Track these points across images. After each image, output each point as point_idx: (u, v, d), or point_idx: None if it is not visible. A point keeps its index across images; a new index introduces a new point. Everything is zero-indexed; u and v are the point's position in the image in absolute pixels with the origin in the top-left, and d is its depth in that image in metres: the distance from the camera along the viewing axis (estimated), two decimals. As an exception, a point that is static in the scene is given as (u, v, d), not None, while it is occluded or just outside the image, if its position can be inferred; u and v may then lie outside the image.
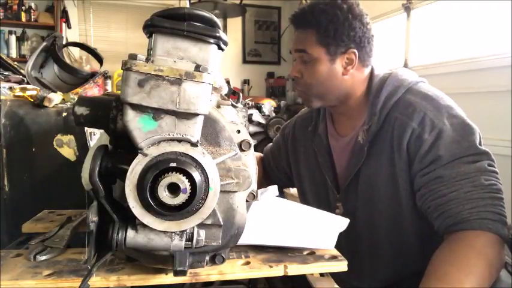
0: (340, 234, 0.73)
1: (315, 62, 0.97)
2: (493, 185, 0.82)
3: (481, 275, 0.73)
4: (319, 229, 0.71)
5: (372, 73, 1.03)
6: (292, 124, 1.26)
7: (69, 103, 1.27)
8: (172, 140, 0.51)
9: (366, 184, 0.98)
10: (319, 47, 0.96)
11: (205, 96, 0.51)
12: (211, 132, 0.55)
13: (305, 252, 0.71)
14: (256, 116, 2.95)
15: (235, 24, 5.03)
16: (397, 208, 0.95)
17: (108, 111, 0.53)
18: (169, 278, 0.60)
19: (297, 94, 1.05)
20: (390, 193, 0.94)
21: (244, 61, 5.21)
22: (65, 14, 4.30)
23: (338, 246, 0.73)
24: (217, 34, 0.52)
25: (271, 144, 1.36)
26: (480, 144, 0.86)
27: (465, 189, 0.81)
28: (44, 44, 1.42)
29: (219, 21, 0.54)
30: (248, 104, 3.07)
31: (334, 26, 0.94)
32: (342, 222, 0.73)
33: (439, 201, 0.83)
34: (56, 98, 1.21)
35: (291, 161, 1.23)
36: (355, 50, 0.97)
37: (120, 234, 0.50)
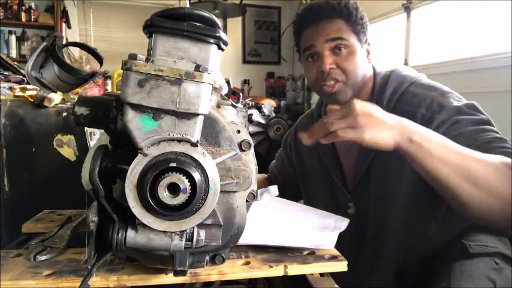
0: (349, 233, 0.73)
1: (352, 49, 0.98)
2: (504, 139, 0.82)
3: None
4: (319, 229, 0.71)
5: (374, 71, 1.04)
6: (293, 132, 1.26)
7: (69, 103, 1.27)
8: (172, 140, 0.51)
9: (378, 180, 0.98)
10: (353, 34, 0.99)
11: (205, 96, 0.51)
12: (211, 132, 0.55)
13: (305, 252, 0.71)
14: (256, 116, 2.95)
15: (235, 24, 5.02)
16: (408, 200, 0.95)
17: (108, 111, 0.53)
18: (169, 278, 0.60)
19: (329, 88, 0.99)
20: (401, 185, 0.95)
21: (244, 61, 5.21)
22: (65, 14, 4.30)
23: (342, 245, 0.73)
24: (217, 34, 0.52)
25: (274, 161, 1.37)
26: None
27: (486, 140, 0.80)
28: (44, 44, 1.42)
29: (219, 21, 0.54)
30: (248, 104, 3.07)
31: (360, 15, 0.99)
32: (342, 223, 0.73)
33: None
34: (56, 98, 1.21)
35: (296, 169, 1.23)
36: (369, 42, 1.03)
37: (120, 234, 0.50)
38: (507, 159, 0.71)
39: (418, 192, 0.94)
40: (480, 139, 0.81)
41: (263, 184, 1.31)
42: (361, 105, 0.72)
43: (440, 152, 0.70)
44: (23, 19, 4.23)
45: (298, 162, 1.22)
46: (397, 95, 0.96)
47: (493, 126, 0.86)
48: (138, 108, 0.49)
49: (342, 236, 0.73)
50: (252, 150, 0.58)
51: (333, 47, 0.98)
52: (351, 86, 0.99)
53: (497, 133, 0.84)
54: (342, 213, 0.96)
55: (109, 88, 3.22)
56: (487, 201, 0.69)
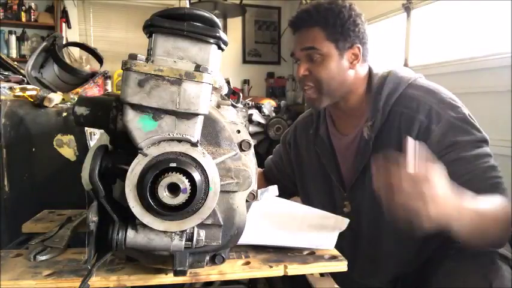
0: (344, 232, 0.73)
1: (325, 58, 0.98)
2: (496, 166, 0.88)
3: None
4: (319, 229, 0.71)
5: (370, 72, 1.04)
6: (293, 130, 1.27)
7: (69, 103, 1.27)
8: (172, 140, 0.51)
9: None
10: (328, 43, 0.98)
11: (205, 96, 0.51)
12: (211, 132, 0.55)
13: (305, 252, 0.71)
14: (256, 116, 2.95)
15: (235, 24, 5.02)
16: None
17: (108, 111, 0.53)
18: (169, 278, 0.60)
19: (307, 95, 1.04)
20: None
21: (244, 61, 5.20)
22: (65, 14, 4.30)
23: (341, 244, 0.73)
24: (217, 34, 0.52)
25: (271, 156, 1.37)
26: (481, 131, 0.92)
27: (482, 169, 0.86)
28: (44, 44, 1.42)
29: (219, 21, 0.54)
30: (248, 104, 3.07)
31: (341, 22, 0.98)
32: (342, 222, 0.73)
33: (460, 180, 0.82)
34: (56, 98, 1.20)
35: (294, 166, 1.23)
36: (359, 46, 1.00)
37: (120, 234, 0.50)
38: (506, 206, 0.79)
39: None
40: (476, 169, 0.86)
41: (259, 178, 1.32)
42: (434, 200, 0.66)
43: (466, 224, 0.73)
44: (23, 19, 4.23)
45: (296, 160, 1.22)
46: (393, 97, 0.97)
47: (486, 143, 0.90)
48: (138, 108, 0.49)
49: (339, 236, 0.73)
50: (252, 150, 0.58)
51: (307, 55, 1.00)
52: (325, 94, 1.01)
53: (489, 155, 0.89)
54: (338, 212, 0.96)
55: (109, 88, 3.22)
56: (487, 244, 0.82)
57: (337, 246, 0.73)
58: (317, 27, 0.98)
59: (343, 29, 0.98)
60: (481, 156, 0.87)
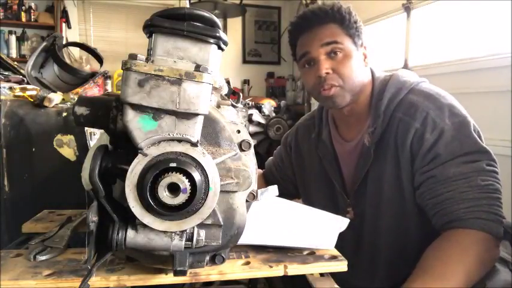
0: (346, 235, 0.73)
1: (347, 53, 0.98)
2: (489, 185, 0.83)
3: (466, 269, 0.77)
4: (319, 229, 0.71)
5: (372, 75, 1.04)
6: (294, 132, 1.26)
7: (69, 103, 1.27)
8: (172, 140, 0.51)
9: (374, 186, 0.98)
10: (348, 38, 0.98)
11: (205, 96, 0.51)
12: (211, 132, 0.55)
13: (305, 252, 0.71)
14: (256, 116, 2.95)
15: (235, 24, 5.03)
16: (401, 207, 0.96)
17: (108, 111, 0.53)
18: (169, 278, 0.60)
19: (326, 93, 0.98)
20: (395, 192, 0.95)
21: (244, 61, 5.21)
22: (65, 14, 4.31)
23: (342, 246, 0.73)
24: (217, 34, 0.52)
25: (271, 158, 1.36)
26: (481, 141, 0.88)
27: (461, 190, 0.84)
28: (44, 44, 1.42)
29: (219, 21, 0.54)
30: (248, 104, 3.08)
31: (353, 19, 0.99)
32: (342, 222, 0.73)
33: (436, 200, 0.86)
34: (56, 98, 1.20)
35: (295, 169, 1.22)
36: (366, 45, 1.02)
37: (120, 234, 0.50)
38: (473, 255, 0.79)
39: (406, 204, 0.95)
40: (456, 189, 0.84)
41: (259, 179, 1.31)
42: None
43: None
44: (23, 19, 4.23)
45: (297, 162, 1.22)
46: (394, 102, 0.95)
47: (484, 155, 0.86)
48: (138, 108, 0.49)
49: (341, 241, 0.73)
50: (252, 150, 0.58)
51: (328, 51, 0.97)
52: (349, 90, 0.98)
53: (481, 171, 0.84)
54: None
55: (109, 88, 3.23)
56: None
57: (339, 250, 0.73)
58: (334, 23, 0.98)
59: (357, 26, 0.99)
60: (466, 173, 0.84)
